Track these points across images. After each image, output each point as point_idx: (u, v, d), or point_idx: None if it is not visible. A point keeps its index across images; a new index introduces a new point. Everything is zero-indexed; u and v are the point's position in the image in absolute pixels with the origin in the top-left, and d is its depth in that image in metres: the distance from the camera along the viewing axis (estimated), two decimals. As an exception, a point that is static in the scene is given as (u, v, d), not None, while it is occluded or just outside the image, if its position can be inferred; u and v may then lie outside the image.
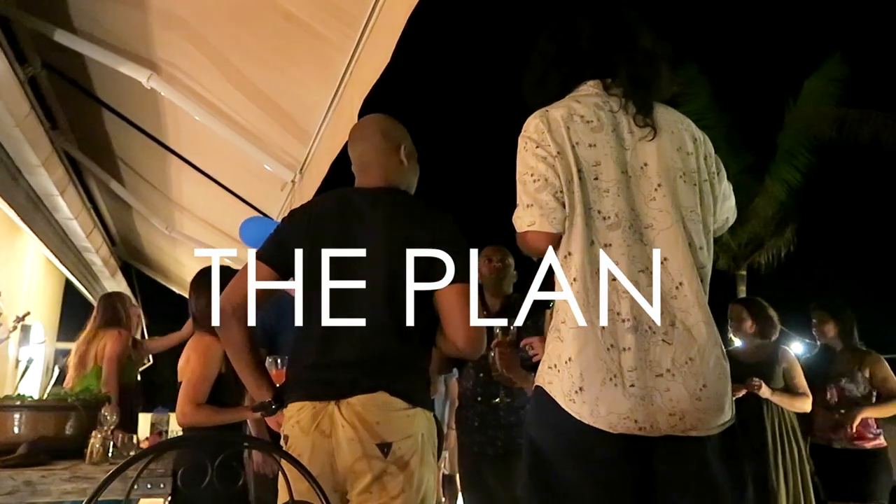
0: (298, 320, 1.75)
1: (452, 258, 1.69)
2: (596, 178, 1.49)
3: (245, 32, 3.19)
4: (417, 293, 1.67)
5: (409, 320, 1.67)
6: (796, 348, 5.92)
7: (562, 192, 1.47)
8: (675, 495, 1.40)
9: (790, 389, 3.56)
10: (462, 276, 1.69)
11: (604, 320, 1.41)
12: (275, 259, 1.75)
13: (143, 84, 3.47)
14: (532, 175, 1.49)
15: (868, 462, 3.50)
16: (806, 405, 3.54)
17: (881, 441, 3.56)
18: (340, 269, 1.69)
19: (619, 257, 1.45)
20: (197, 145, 4.65)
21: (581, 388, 1.39)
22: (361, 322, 1.65)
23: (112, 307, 3.94)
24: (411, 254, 1.67)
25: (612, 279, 1.44)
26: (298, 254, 1.72)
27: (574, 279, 1.45)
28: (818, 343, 3.97)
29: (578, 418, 1.39)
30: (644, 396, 1.37)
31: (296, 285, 1.74)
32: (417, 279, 1.67)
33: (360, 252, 1.69)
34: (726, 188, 1.67)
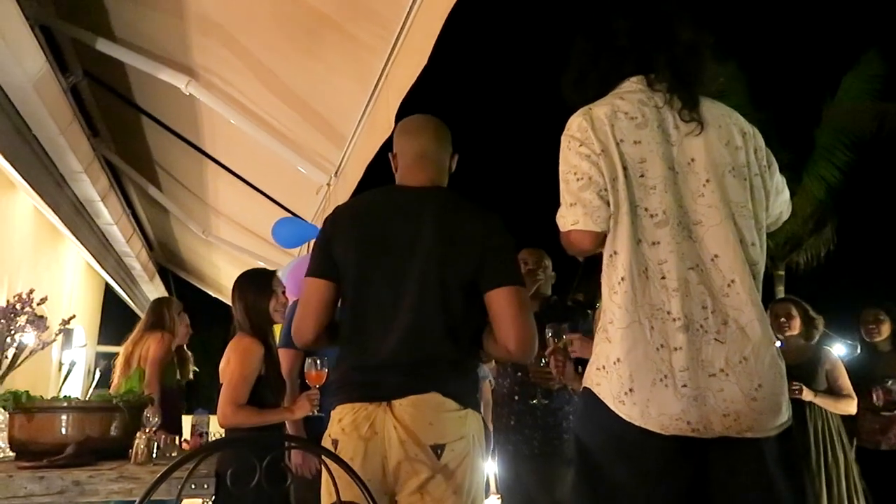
0: (345, 321, 1.73)
1: (504, 260, 1.67)
2: (642, 176, 1.46)
3: (281, 37, 3.23)
4: (468, 295, 1.65)
5: (461, 322, 1.65)
6: (838, 350, 5.77)
7: (606, 190, 1.45)
8: (730, 499, 1.38)
9: (834, 391, 3.47)
10: (514, 278, 1.67)
11: (653, 320, 1.39)
12: (330, 271, 1.72)
13: (182, 90, 3.54)
14: (575, 174, 1.47)
15: None
16: (851, 407, 3.44)
17: None
18: (390, 267, 1.67)
19: (667, 255, 1.42)
20: (233, 150, 4.72)
21: (631, 390, 1.37)
22: (412, 322, 1.63)
23: (159, 312, 4.01)
24: (463, 254, 1.65)
25: (662, 277, 1.41)
26: (344, 252, 1.70)
27: (622, 278, 1.42)
28: (858, 345, 3.87)
29: (629, 420, 1.37)
30: (697, 397, 1.35)
31: (343, 284, 1.72)
32: (469, 280, 1.65)
33: (411, 250, 1.67)
34: (779, 182, 1.63)
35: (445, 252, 1.65)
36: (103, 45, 3.56)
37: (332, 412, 1.68)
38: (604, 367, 1.43)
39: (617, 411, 1.38)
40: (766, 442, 1.39)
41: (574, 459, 1.48)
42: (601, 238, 1.47)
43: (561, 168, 1.52)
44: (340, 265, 1.71)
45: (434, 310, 1.63)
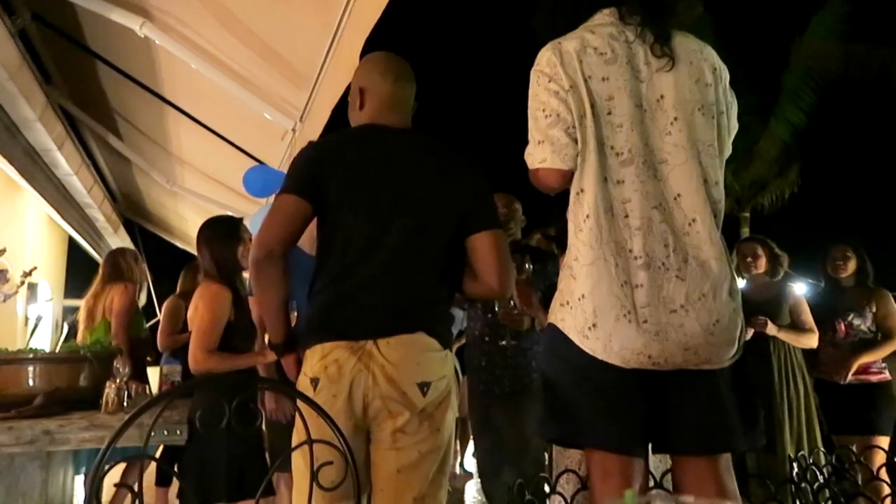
0: (326, 253, 1.68)
1: (487, 204, 1.75)
2: (609, 113, 1.45)
3: (238, -25, 3.10)
4: (453, 237, 1.70)
5: (447, 264, 1.71)
6: (801, 289, 5.93)
7: (574, 127, 1.44)
8: (687, 423, 1.43)
9: (797, 326, 3.58)
10: (496, 221, 1.76)
11: (617, 258, 1.40)
12: (309, 190, 1.64)
13: (137, 32, 3.40)
14: (544, 111, 1.46)
15: (873, 395, 3.53)
16: (812, 341, 3.56)
17: (886, 375, 3.59)
18: (384, 205, 1.65)
19: (631, 194, 1.43)
20: (194, 96, 4.58)
21: (594, 325, 1.40)
22: (400, 262, 1.64)
23: (115, 263, 3.95)
24: (453, 200, 1.70)
25: (625, 216, 1.42)
26: (334, 184, 1.65)
27: (587, 216, 1.43)
28: (823, 281, 3.96)
29: (592, 353, 1.40)
30: (658, 332, 1.38)
31: (326, 213, 1.67)
32: (456, 224, 1.70)
33: (402, 192, 1.66)
34: (734, 121, 1.63)
35: (437, 196, 1.68)
36: (50, -16, 3.39)
37: (309, 350, 1.65)
38: (568, 303, 1.45)
39: (581, 345, 1.41)
40: (721, 373, 1.44)
41: (539, 391, 1.52)
42: (569, 176, 1.47)
43: (530, 104, 1.50)
44: (327, 196, 1.65)
45: (424, 251, 1.66)
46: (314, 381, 1.61)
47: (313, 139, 3.42)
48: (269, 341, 1.82)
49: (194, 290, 4.30)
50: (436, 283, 1.69)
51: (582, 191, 1.45)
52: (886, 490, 2.42)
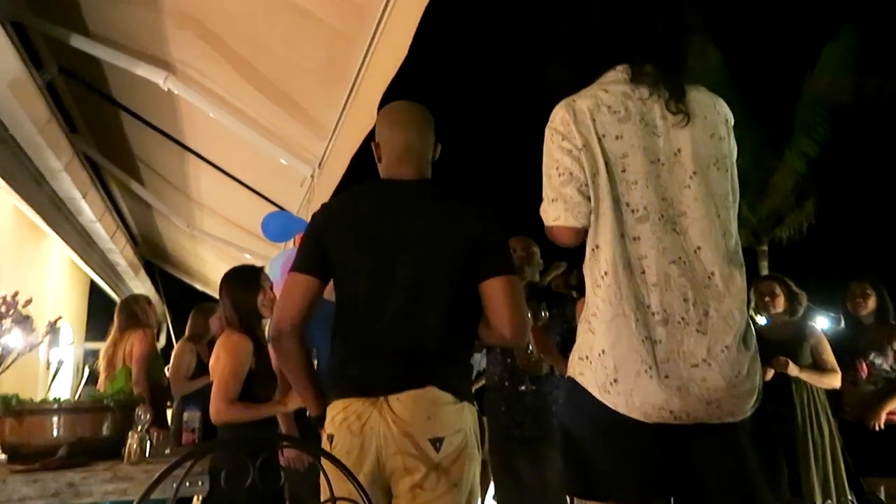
0: (337, 315, 1.73)
1: (497, 250, 1.70)
2: (623, 171, 1.47)
3: (258, 29, 3.20)
4: (462, 285, 1.66)
5: (455, 312, 1.66)
6: (821, 323, 5.86)
7: (587, 185, 1.46)
8: (711, 481, 1.41)
9: (819, 365, 3.53)
10: (508, 267, 1.70)
11: (637, 313, 1.41)
12: (317, 265, 1.71)
13: (160, 85, 3.50)
14: (557, 168, 1.49)
15: None
16: (836, 381, 3.50)
17: None
18: (381, 261, 1.67)
19: (647, 250, 1.44)
20: (214, 143, 4.68)
21: (616, 380, 1.40)
22: (404, 314, 1.64)
23: (130, 310, 4.00)
24: (456, 246, 1.66)
25: (642, 272, 1.43)
26: (335, 248, 1.70)
27: (605, 273, 1.45)
28: (842, 318, 3.92)
29: (614, 408, 1.40)
30: (679, 387, 1.38)
31: (335, 280, 1.72)
32: (463, 271, 1.66)
33: (403, 245, 1.67)
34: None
35: (440, 245, 1.66)
36: (78, 41, 3.51)
37: (328, 407, 1.68)
38: (587, 358, 1.46)
39: (602, 400, 1.41)
40: (742, 424, 1.43)
41: (560, 447, 1.51)
42: (582, 233, 1.49)
43: (544, 161, 1.53)
44: (333, 259, 1.70)
45: (429, 302, 1.64)
46: (330, 438, 1.64)
47: (331, 187, 3.49)
48: (308, 414, 1.81)
49: (204, 333, 4.38)
50: (446, 335, 1.65)
51: (598, 247, 1.47)
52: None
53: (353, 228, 1.71)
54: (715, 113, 1.55)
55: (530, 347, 2.54)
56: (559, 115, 1.51)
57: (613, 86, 1.53)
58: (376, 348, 1.65)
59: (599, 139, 1.47)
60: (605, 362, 1.42)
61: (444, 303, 1.65)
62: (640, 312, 1.41)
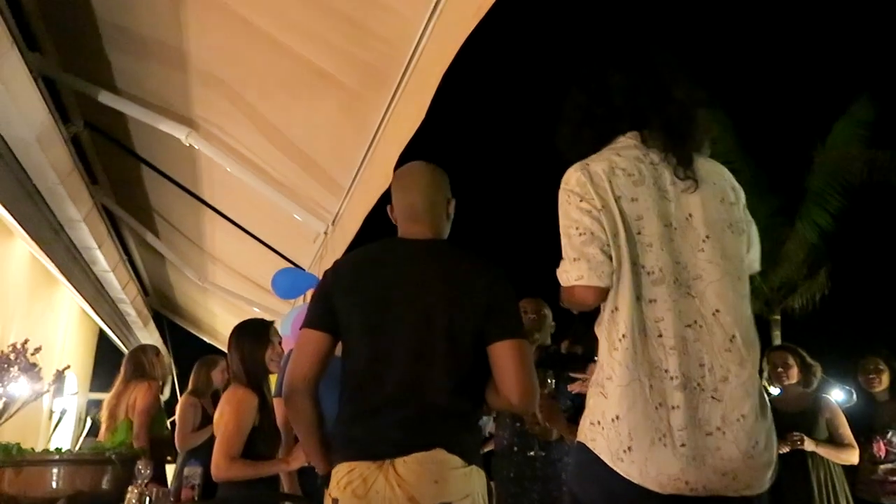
0: (345, 374, 1.71)
1: (507, 312, 1.67)
2: (639, 233, 1.48)
3: (280, 90, 3.30)
4: (471, 347, 1.63)
5: (464, 375, 1.63)
6: (835, 395, 5.75)
7: (608, 245, 1.46)
8: None
9: (835, 440, 3.44)
10: (517, 330, 1.66)
11: (651, 379, 1.39)
12: (327, 322, 1.71)
13: (182, 141, 3.58)
14: (577, 228, 1.48)
15: None
16: (853, 457, 3.41)
17: None
18: (390, 320, 1.66)
19: (664, 313, 1.43)
20: (231, 198, 4.76)
21: (630, 448, 1.37)
22: (412, 376, 1.62)
23: (138, 361, 3.98)
24: (466, 307, 1.64)
25: (658, 335, 1.42)
26: (345, 305, 1.70)
27: (623, 335, 1.43)
28: (854, 392, 3.86)
29: (627, 477, 1.36)
30: (695, 457, 1.35)
31: (344, 338, 1.71)
32: (473, 333, 1.63)
33: (412, 304, 1.65)
34: (754, 234, 1.65)
35: (448, 305, 1.64)
36: (105, 97, 3.62)
37: (333, 470, 1.64)
38: (599, 423, 1.43)
39: (615, 468, 1.38)
40: (759, 499, 1.39)
41: None
42: (604, 294, 1.47)
43: (562, 223, 1.53)
44: (341, 318, 1.70)
45: (435, 363, 1.61)
46: (335, 502, 1.59)
47: (344, 244, 3.52)
48: (318, 472, 1.77)
49: (207, 387, 4.33)
50: (453, 397, 1.62)
51: (617, 309, 1.45)
52: None
53: (357, 287, 1.71)
54: (723, 180, 1.58)
55: (538, 416, 2.49)
56: (574, 177, 1.52)
57: (626, 151, 1.56)
58: (382, 410, 1.62)
59: (616, 200, 1.48)
60: (620, 429, 1.38)
61: (450, 365, 1.62)
62: (656, 378, 1.39)
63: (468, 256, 1.75)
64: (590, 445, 1.43)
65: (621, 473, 1.37)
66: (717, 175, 1.58)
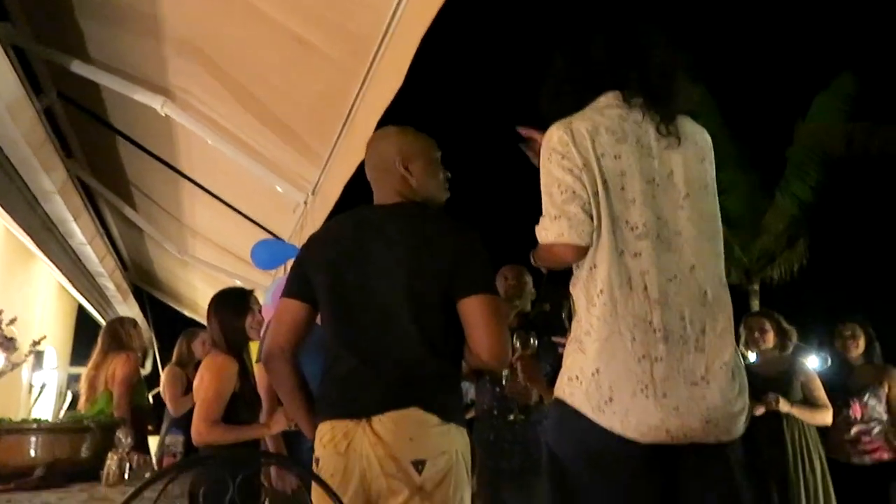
0: (326, 341, 1.74)
1: (474, 268, 1.65)
2: (622, 189, 1.49)
3: (256, 57, 3.25)
4: (445, 306, 1.64)
5: (438, 334, 1.64)
6: (811, 362, 5.87)
7: (589, 204, 1.47)
8: (700, 500, 1.41)
9: (810, 402, 3.52)
10: (485, 285, 1.65)
11: (634, 331, 1.41)
12: (304, 293, 1.75)
13: (158, 111, 3.53)
14: (559, 186, 1.49)
15: (891, 473, 3.49)
16: (827, 417, 3.49)
17: None
18: (362, 286, 1.68)
19: (649, 266, 1.46)
20: (209, 169, 4.71)
21: (611, 399, 1.39)
22: (386, 337, 1.64)
23: (114, 332, 3.96)
24: (433, 266, 1.64)
25: (644, 288, 1.44)
26: (317, 275, 1.73)
27: (601, 291, 1.45)
28: (829, 357, 3.95)
29: (609, 429, 1.39)
30: (677, 406, 1.38)
31: (320, 306, 1.75)
32: (443, 291, 1.64)
33: (381, 267, 1.67)
34: None
35: (409, 266, 1.65)
36: (78, 67, 3.55)
37: (317, 430, 1.68)
38: (577, 378, 1.45)
39: (596, 420, 1.40)
40: (731, 448, 1.44)
41: (546, 469, 1.49)
42: (584, 252, 1.49)
43: (543, 180, 1.54)
44: (315, 287, 1.73)
45: (411, 323, 1.63)
46: (317, 461, 1.64)
47: (324, 213, 3.51)
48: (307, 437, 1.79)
49: (191, 358, 4.36)
50: (426, 357, 1.63)
51: (595, 266, 1.47)
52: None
53: (326, 256, 1.75)
54: (703, 140, 1.61)
55: (519, 375, 2.52)
56: (556, 136, 1.53)
57: (608, 110, 1.57)
58: (358, 373, 1.65)
59: (598, 158, 1.49)
60: (601, 382, 1.41)
61: (418, 325, 1.63)
62: (639, 331, 1.42)
63: (434, 217, 1.75)
64: (568, 400, 1.46)
65: (602, 424, 1.39)
66: (698, 135, 1.61)
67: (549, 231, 1.50)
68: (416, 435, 1.57)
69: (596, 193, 1.48)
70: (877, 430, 3.55)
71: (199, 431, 2.39)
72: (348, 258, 1.71)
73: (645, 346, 1.41)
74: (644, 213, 1.48)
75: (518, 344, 2.43)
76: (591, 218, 1.47)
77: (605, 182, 1.48)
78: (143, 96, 3.57)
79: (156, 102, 3.54)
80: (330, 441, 1.61)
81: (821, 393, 3.54)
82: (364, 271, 1.68)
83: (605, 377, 1.40)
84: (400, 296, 1.64)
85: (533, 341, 2.56)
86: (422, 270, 1.65)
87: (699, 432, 1.39)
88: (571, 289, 1.55)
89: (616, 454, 1.39)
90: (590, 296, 1.47)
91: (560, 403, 1.48)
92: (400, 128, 1.90)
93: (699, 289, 1.47)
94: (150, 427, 4.18)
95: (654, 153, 1.53)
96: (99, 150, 5.23)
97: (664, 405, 1.37)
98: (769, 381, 3.50)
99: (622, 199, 1.49)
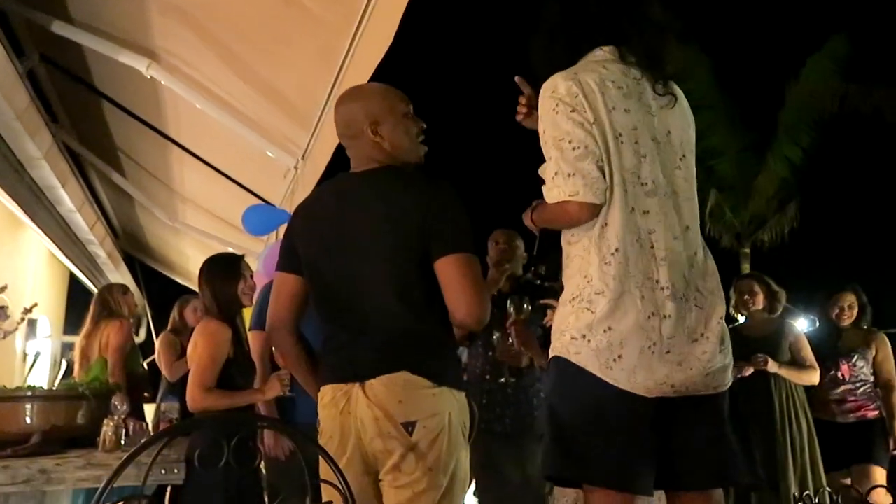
0: (316, 311, 1.75)
1: (447, 228, 1.61)
2: (636, 142, 1.48)
3: (244, 18, 3.18)
4: (425, 270, 1.61)
5: (420, 299, 1.62)
6: (800, 324, 5.93)
7: (602, 160, 1.44)
8: (695, 458, 1.46)
9: (797, 362, 3.57)
10: (457, 245, 1.61)
11: (643, 289, 1.43)
12: (295, 267, 1.75)
13: (143, 73, 3.46)
14: (571, 142, 1.45)
15: (874, 429, 3.58)
16: (814, 377, 3.55)
17: (879, 413, 3.64)
18: (344, 260, 1.67)
19: (655, 224, 1.46)
20: (198, 134, 4.64)
21: (620, 357, 1.40)
22: (372, 303, 1.64)
23: (104, 301, 3.94)
24: (408, 228, 1.62)
25: (651, 246, 1.45)
26: (303, 248, 1.73)
27: (616, 250, 1.43)
28: (816, 321, 4.00)
29: (615, 384, 1.40)
30: (681, 362, 1.41)
31: (308, 283, 1.75)
32: (419, 256, 1.61)
33: (361, 234, 1.66)
34: None
35: (382, 230, 1.64)
36: (60, 28, 3.47)
37: (319, 394, 1.72)
38: (584, 337, 1.44)
39: (602, 376, 1.41)
40: (721, 396, 1.49)
41: (547, 427, 1.50)
42: (598, 211, 1.45)
43: (550, 133, 1.48)
44: (302, 260, 1.73)
45: (392, 288, 1.62)
46: (318, 424, 1.67)
47: (315, 178, 3.47)
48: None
49: (184, 325, 4.38)
50: (414, 322, 1.62)
51: (606, 224, 1.45)
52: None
53: (307, 227, 1.76)
54: (687, 106, 1.63)
55: (510, 338, 2.53)
56: (564, 86, 1.48)
57: (609, 64, 1.54)
58: (348, 340, 1.67)
59: (609, 112, 1.46)
60: (612, 339, 1.41)
61: (395, 290, 1.62)
62: (647, 288, 1.42)
63: (408, 178, 1.70)
64: (573, 359, 1.45)
65: (608, 381, 1.40)
66: (685, 99, 1.62)
67: (562, 189, 1.44)
68: (406, 397, 1.57)
69: (608, 149, 1.45)
70: (861, 389, 3.63)
71: (194, 397, 2.40)
72: (329, 231, 1.70)
73: (654, 304, 1.41)
74: (654, 170, 1.48)
75: (512, 309, 2.43)
76: (604, 175, 1.44)
77: (617, 136, 1.45)
78: (128, 58, 3.50)
79: (141, 65, 3.47)
80: (331, 401, 1.64)
81: (808, 353, 3.59)
82: (343, 245, 1.67)
83: (617, 335, 1.40)
84: (380, 265, 1.63)
85: (526, 306, 2.57)
86: (398, 237, 1.63)
87: (700, 385, 1.43)
88: (570, 248, 1.53)
89: (620, 410, 1.41)
90: (603, 255, 1.44)
91: (562, 361, 1.48)
92: (361, 88, 1.87)
93: (692, 249, 1.49)
94: (146, 394, 4.20)
95: (654, 111, 1.52)
96: (85, 114, 5.14)
97: (668, 361, 1.40)
98: (758, 342, 3.54)
99: (636, 153, 1.47)
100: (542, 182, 1.54)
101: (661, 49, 1.58)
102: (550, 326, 2.21)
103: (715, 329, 1.45)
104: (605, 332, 1.42)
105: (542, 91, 1.53)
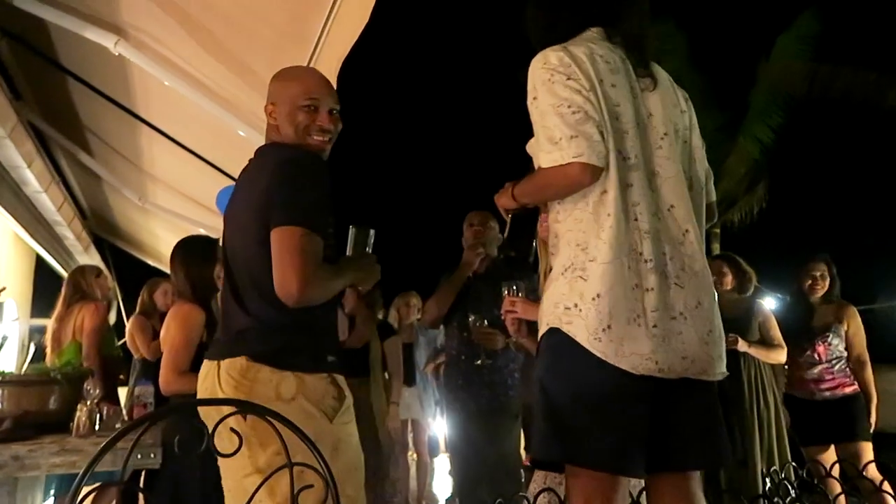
0: None
1: (280, 200, 1.57)
2: (617, 119, 1.49)
3: (215, -6, 3.10)
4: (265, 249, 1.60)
5: (265, 277, 1.58)
6: (769, 303, 6.05)
7: (602, 126, 1.45)
8: (686, 441, 1.47)
9: (766, 341, 3.65)
10: (285, 217, 1.55)
11: (629, 260, 1.43)
12: None
13: (111, 50, 3.37)
14: (570, 106, 1.44)
15: (854, 405, 3.66)
16: (781, 356, 3.64)
17: (857, 387, 3.70)
18: (228, 237, 1.76)
19: (639, 198, 1.47)
20: (168, 113, 4.54)
21: (609, 326, 1.40)
22: (230, 286, 1.71)
23: (76, 283, 3.88)
24: (253, 208, 1.63)
25: (635, 219, 1.46)
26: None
27: (608, 214, 1.45)
28: (789, 299, 4.07)
29: (603, 358, 1.39)
30: (664, 338, 1.41)
31: None
32: (260, 231, 1.60)
33: (237, 217, 1.73)
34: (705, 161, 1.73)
35: (241, 208, 1.69)
36: (23, 2, 3.35)
37: None
38: (576, 306, 1.44)
39: (591, 349, 1.40)
40: (711, 385, 1.50)
41: (537, 407, 1.49)
42: (599, 175, 1.44)
43: (547, 101, 1.47)
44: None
45: (244, 270, 1.66)
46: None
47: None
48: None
49: (154, 309, 4.33)
50: (261, 303, 1.62)
51: (605, 191, 1.46)
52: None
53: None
54: (675, 89, 1.64)
55: (508, 328, 2.47)
56: (556, 57, 1.50)
57: (598, 42, 1.57)
58: (225, 322, 1.74)
59: (600, 83, 1.48)
60: (601, 307, 1.40)
61: (251, 270, 1.63)
62: (632, 260, 1.43)
63: (273, 154, 1.70)
64: (565, 328, 1.45)
65: (597, 353, 1.40)
66: (669, 81, 1.64)
67: (564, 151, 1.42)
68: (240, 383, 1.57)
69: (603, 118, 1.46)
70: (838, 366, 3.70)
71: (168, 381, 2.38)
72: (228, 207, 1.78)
73: (638, 275, 1.42)
74: (635, 146, 1.49)
75: (506, 293, 2.43)
76: (604, 141, 1.44)
77: (608, 108, 1.47)
78: (94, 34, 3.40)
79: (108, 41, 3.37)
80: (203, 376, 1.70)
81: (776, 332, 3.67)
82: (230, 221, 1.76)
83: (606, 302, 1.40)
84: (238, 245, 1.69)
85: (521, 294, 2.55)
86: (248, 211, 1.65)
87: (679, 368, 1.42)
88: (559, 226, 1.53)
89: (610, 387, 1.40)
90: (601, 223, 1.45)
91: (555, 332, 1.47)
92: (285, 70, 1.89)
93: (678, 228, 1.49)
94: (122, 377, 4.16)
95: (637, 92, 1.55)
96: (50, 92, 4.99)
97: (654, 336, 1.40)
98: (728, 321, 3.54)
99: (618, 129, 1.48)
100: (530, 160, 1.55)
101: (642, 33, 1.61)
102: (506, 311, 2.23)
103: (693, 311, 1.44)
104: (594, 299, 1.41)
105: (531, 66, 1.53)
